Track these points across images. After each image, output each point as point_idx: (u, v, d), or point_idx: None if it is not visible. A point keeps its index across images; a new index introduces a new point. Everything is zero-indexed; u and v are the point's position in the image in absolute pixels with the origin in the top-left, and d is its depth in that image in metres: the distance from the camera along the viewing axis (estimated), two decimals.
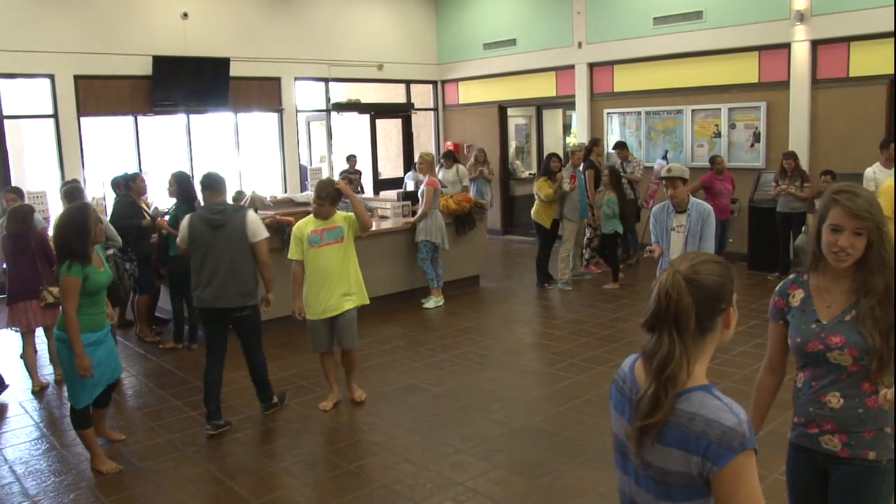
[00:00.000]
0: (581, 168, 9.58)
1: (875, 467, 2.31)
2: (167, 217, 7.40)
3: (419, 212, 8.60)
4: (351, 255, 5.40)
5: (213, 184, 5.30)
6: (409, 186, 11.61)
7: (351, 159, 12.74)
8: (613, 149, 11.07)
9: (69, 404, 4.60)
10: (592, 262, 10.22)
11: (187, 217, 5.35)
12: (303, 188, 12.34)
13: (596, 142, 10.78)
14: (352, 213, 5.40)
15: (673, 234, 5.34)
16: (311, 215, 5.39)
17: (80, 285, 4.30)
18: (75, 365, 4.34)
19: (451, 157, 11.58)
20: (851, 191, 2.26)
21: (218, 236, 5.10)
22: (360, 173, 12.60)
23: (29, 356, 6.31)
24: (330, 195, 5.36)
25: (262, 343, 5.47)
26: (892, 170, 8.07)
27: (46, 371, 6.64)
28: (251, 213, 5.36)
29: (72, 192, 6.82)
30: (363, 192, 12.38)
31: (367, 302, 5.59)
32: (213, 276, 5.10)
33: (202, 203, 5.71)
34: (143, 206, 7.83)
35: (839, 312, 2.32)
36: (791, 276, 2.52)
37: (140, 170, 10.33)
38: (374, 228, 6.75)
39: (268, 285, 5.32)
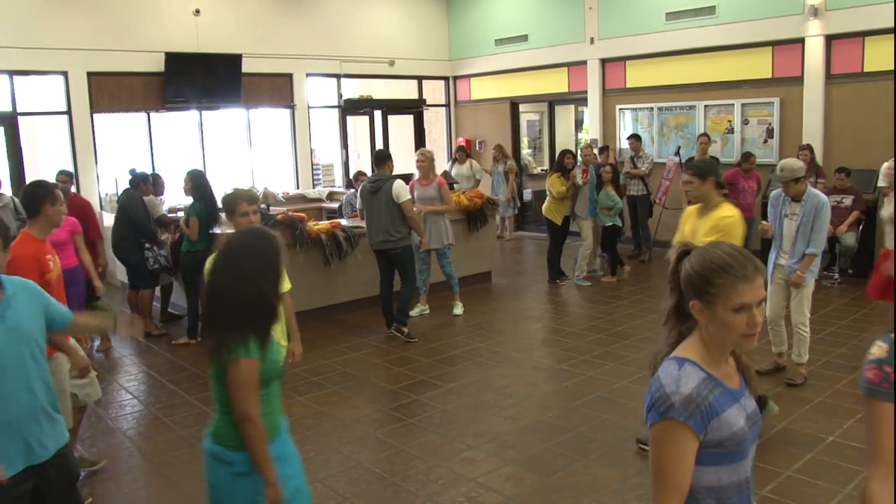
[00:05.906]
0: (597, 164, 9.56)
1: None
2: (180, 214, 7.56)
3: (444, 209, 7.70)
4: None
5: (379, 158, 7.20)
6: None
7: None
8: (628, 139, 11.01)
9: None
10: None
11: (362, 184, 7.25)
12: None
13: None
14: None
15: (786, 221, 5.45)
16: None
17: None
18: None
19: (464, 153, 11.56)
20: None
21: (374, 198, 6.92)
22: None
23: None
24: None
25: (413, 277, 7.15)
26: None
27: None
28: (397, 182, 6.90)
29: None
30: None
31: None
32: (371, 225, 7.00)
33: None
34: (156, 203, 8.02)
35: None
36: (892, 335, 1.86)
37: (154, 168, 10.41)
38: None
39: (418, 232, 7.16)
